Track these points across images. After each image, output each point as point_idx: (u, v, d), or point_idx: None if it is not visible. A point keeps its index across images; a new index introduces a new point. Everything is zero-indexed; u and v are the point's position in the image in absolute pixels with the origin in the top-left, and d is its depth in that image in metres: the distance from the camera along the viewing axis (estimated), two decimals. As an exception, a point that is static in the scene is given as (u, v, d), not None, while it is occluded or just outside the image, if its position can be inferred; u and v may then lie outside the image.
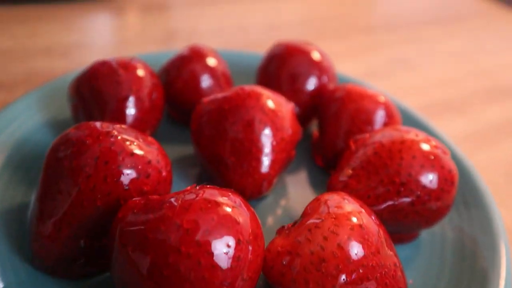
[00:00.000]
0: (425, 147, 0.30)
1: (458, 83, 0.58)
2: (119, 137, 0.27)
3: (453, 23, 0.77)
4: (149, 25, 0.64)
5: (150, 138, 0.29)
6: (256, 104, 0.32)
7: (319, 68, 0.40)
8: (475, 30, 0.75)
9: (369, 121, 0.36)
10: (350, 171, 0.30)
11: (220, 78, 0.40)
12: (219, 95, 0.34)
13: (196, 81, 0.39)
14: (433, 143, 0.30)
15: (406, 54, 0.64)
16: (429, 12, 0.81)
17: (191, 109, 0.39)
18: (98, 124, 0.28)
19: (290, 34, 0.66)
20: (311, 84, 0.40)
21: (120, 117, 0.33)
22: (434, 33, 0.72)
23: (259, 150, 0.32)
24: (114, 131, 0.27)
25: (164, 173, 0.28)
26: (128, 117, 0.33)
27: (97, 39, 0.58)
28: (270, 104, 0.33)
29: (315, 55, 0.40)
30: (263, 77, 0.42)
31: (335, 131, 0.36)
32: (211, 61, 0.40)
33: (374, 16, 0.78)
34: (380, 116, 0.36)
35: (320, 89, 0.40)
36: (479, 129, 0.50)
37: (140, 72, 0.35)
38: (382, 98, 0.37)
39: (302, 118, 0.40)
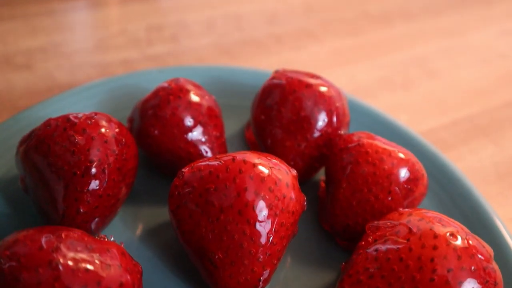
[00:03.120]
0: (464, 253, 0.23)
1: (487, 95, 0.50)
2: (69, 262, 0.20)
3: (478, 8, 0.67)
4: (131, 20, 0.55)
5: (110, 247, 0.23)
6: (250, 183, 0.26)
7: (328, 110, 0.32)
8: (504, 19, 0.65)
9: (391, 190, 0.29)
10: (366, 281, 0.24)
11: (207, 123, 0.32)
12: (204, 164, 0.27)
13: (177, 129, 0.32)
14: (473, 243, 0.24)
15: (426, 53, 0.56)
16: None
17: (172, 160, 0.32)
18: (41, 240, 0.21)
19: (291, 29, 0.57)
20: (318, 131, 0.32)
21: (79, 197, 0.26)
22: (457, 22, 0.63)
23: (253, 244, 0.25)
24: (59, 257, 0.20)
25: (130, 295, 0.22)
26: (90, 196, 0.27)
27: (67, 43, 0.50)
28: (268, 181, 0.26)
29: (323, 93, 0.33)
30: (258, 116, 0.34)
31: (346, 199, 0.30)
32: (195, 102, 0.32)
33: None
34: (403, 181, 0.29)
35: (329, 136, 0.33)
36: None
37: (103, 134, 0.27)
38: (405, 157, 0.30)
39: (306, 171, 0.33)
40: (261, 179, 0.26)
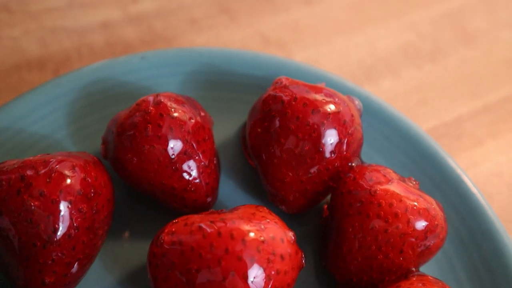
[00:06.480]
0: None
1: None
2: None
3: None
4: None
5: None
6: (237, 266, 0.22)
7: (338, 141, 0.27)
8: None
9: (403, 249, 0.25)
10: None
11: (194, 152, 0.27)
12: (185, 229, 0.23)
13: (157, 164, 0.27)
14: None
15: (462, 7, 0.47)
16: None
17: (154, 193, 0.28)
18: None
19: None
20: (324, 165, 0.27)
21: (43, 269, 0.23)
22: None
23: (240, 331, 0.22)
24: None
25: None
26: (56, 266, 0.23)
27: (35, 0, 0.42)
28: (259, 259, 0.22)
29: (333, 119, 0.27)
30: (254, 138, 0.29)
31: (351, 253, 0.26)
32: (178, 129, 0.27)
33: None
34: (418, 239, 0.25)
35: (337, 169, 0.28)
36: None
37: (65, 193, 0.23)
38: (423, 211, 0.25)
39: (307, 206, 0.29)
40: (251, 258, 0.22)
